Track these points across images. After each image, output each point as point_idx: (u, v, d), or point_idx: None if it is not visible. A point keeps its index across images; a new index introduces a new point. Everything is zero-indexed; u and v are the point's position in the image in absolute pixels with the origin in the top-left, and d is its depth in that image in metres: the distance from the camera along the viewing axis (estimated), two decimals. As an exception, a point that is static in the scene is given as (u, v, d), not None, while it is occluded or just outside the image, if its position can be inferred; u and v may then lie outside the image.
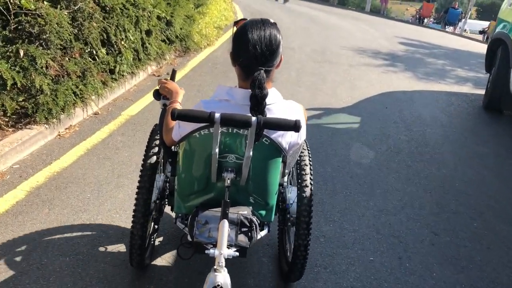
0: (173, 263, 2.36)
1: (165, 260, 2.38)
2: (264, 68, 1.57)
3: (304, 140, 2.06)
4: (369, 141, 4.30)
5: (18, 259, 2.28)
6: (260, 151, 1.67)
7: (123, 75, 4.68)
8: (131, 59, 4.78)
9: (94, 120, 4.02)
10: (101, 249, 2.42)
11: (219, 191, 1.76)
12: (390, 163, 3.90)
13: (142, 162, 2.05)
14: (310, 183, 2.04)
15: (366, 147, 4.17)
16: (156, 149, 2.09)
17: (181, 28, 6.19)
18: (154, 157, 2.05)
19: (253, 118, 1.49)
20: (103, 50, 4.25)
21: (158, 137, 2.10)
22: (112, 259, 2.35)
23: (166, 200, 2.18)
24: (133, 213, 2.00)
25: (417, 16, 25.95)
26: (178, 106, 1.95)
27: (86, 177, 3.10)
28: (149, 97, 4.72)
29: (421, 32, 14.75)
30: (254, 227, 1.71)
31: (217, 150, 1.59)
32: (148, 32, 5.19)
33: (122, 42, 4.51)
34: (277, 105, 1.68)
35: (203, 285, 1.55)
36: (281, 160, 1.78)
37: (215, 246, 1.58)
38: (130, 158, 3.43)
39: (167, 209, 2.25)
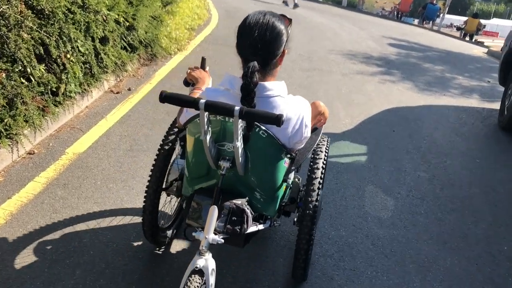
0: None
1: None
2: (257, 59, 1.60)
3: (326, 139, 2.24)
4: (383, 183, 3.49)
5: None
6: (257, 143, 1.69)
7: (70, 97, 3.72)
8: (81, 75, 3.81)
9: (27, 164, 3.06)
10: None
11: (219, 178, 1.74)
12: (416, 216, 3.10)
13: (159, 148, 2.15)
14: (318, 187, 2.02)
15: (382, 192, 3.36)
16: (173, 137, 2.17)
17: (146, 32, 5.24)
18: (170, 143, 2.14)
19: (236, 108, 1.50)
20: (41, 68, 3.28)
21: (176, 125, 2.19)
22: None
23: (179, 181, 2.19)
24: (145, 190, 2.12)
25: (395, 11, 25.71)
26: (199, 93, 1.99)
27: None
28: (104, 125, 3.77)
29: (404, 30, 14.16)
30: (246, 218, 1.72)
31: (207, 136, 1.62)
32: (104, 40, 4.22)
33: (68, 55, 3.55)
34: (280, 99, 1.70)
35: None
36: (284, 155, 1.78)
37: (203, 229, 1.62)
38: (73, 229, 2.49)
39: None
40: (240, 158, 1.66)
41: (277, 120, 1.45)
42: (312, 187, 2.01)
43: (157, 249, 2.43)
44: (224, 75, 1.76)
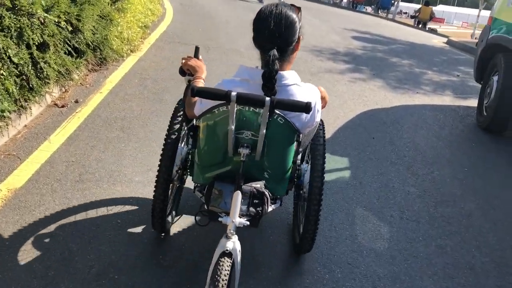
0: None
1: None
2: (276, 47, 1.69)
3: (321, 120, 2.20)
4: (373, 204, 3.14)
5: None
6: (275, 130, 1.78)
7: (3, 116, 3.13)
8: (15, 90, 3.23)
9: None
10: None
11: (235, 165, 1.86)
12: (415, 244, 2.77)
13: (165, 138, 2.20)
14: (323, 163, 2.20)
15: (373, 215, 3.00)
16: (178, 125, 2.23)
17: (94, 33, 4.65)
18: (177, 133, 2.20)
19: (267, 98, 1.61)
20: (-38, 86, 2.68)
21: (181, 112, 2.27)
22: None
23: (188, 170, 2.27)
24: (155, 179, 2.17)
25: (351, 0, 25.88)
26: (201, 82, 2.06)
27: None
28: (47, 148, 3.22)
29: (362, 20, 14.09)
30: (266, 199, 1.85)
31: (233, 126, 1.71)
32: (43, 46, 3.63)
33: (-3, 69, 2.96)
34: (296, 87, 1.81)
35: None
36: (295, 139, 1.88)
37: (228, 214, 1.72)
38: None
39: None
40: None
41: (306, 108, 1.61)
42: (316, 163, 2.19)
43: (162, 235, 2.48)
44: (239, 66, 1.88)
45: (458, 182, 3.62)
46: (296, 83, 1.82)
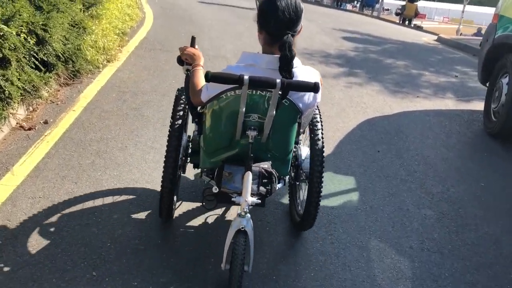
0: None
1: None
2: (290, 33, 1.83)
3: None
4: (388, 233, 2.78)
5: None
6: (280, 111, 1.87)
7: (-45, 147, 2.69)
8: (-29, 115, 2.79)
9: None
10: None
11: (242, 147, 1.99)
12: (443, 283, 2.41)
13: (170, 124, 2.28)
14: (322, 145, 2.31)
15: (390, 248, 2.64)
16: (182, 112, 2.32)
17: (64, 44, 4.20)
18: (181, 119, 2.28)
19: (278, 80, 1.73)
20: None
21: (182, 101, 2.35)
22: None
23: (189, 158, 2.46)
24: (163, 170, 2.22)
25: (335, -1, 25.74)
26: (200, 69, 2.15)
27: None
28: (9, 182, 2.78)
29: (349, 19, 13.82)
30: (274, 178, 1.97)
31: (244, 109, 1.81)
32: (3, 62, 3.19)
33: None
34: (299, 69, 1.92)
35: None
36: (298, 119, 2.03)
37: (239, 194, 1.87)
38: None
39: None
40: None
41: (315, 87, 1.75)
42: (317, 145, 2.29)
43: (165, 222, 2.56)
44: (242, 53, 1.98)
45: (477, 201, 3.28)
46: (298, 66, 1.91)
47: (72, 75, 4.45)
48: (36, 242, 2.31)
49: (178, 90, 2.47)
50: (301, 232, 2.66)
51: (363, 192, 3.21)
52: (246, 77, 1.71)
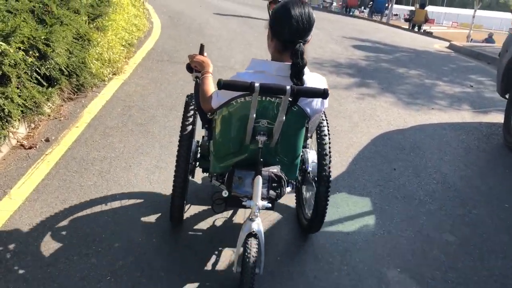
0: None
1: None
2: (302, 41, 1.85)
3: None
4: (408, 262, 2.60)
5: None
6: (288, 116, 1.90)
7: (-50, 170, 2.56)
8: (-33, 136, 2.66)
9: None
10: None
11: (251, 152, 2.03)
12: (470, 322, 2.19)
13: (180, 129, 2.36)
14: (329, 151, 2.38)
15: (411, 279, 2.46)
16: (192, 118, 2.40)
17: (68, 57, 4.07)
18: (191, 126, 2.36)
19: (287, 87, 1.76)
20: None
21: (192, 107, 2.45)
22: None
23: (197, 162, 2.54)
24: (174, 176, 2.31)
25: (344, 5, 25.50)
26: (210, 76, 2.22)
27: None
28: (7, 206, 2.64)
29: (358, 26, 13.58)
30: (283, 182, 2.03)
31: (254, 115, 1.86)
32: (2, 79, 3.06)
33: None
34: (307, 76, 1.93)
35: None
36: (306, 124, 2.07)
37: (250, 198, 1.92)
38: None
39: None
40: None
41: (324, 93, 1.82)
42: (324, 149, 2.36)
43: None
44: (251, 60, 2.00)
45: (503, 225, 3.08)
46: (306, 73, 1.93)
47: (76, 89, 4.32)
48: (31, 276, 2.16)
49: (188, 96, 2.55)
50: (314, 261, 2.48)
51: (379, 215, 3.03)
52: (257, 84, 1.75)
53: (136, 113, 4.19)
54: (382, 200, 3.22)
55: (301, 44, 1.84)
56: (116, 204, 2.79)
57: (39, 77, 3.63)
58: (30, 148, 3.32)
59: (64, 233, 2.48)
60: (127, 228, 2.58)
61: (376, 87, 6.06)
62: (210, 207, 2.81)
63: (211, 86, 2.18)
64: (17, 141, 3.33)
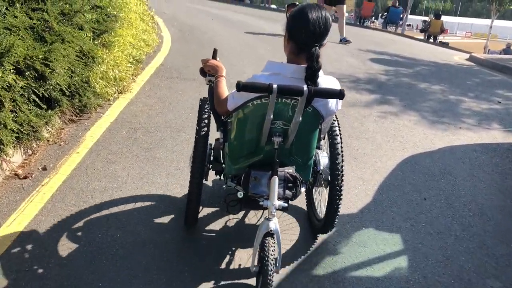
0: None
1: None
2: (318, 45, 1.89)
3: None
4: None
5: None
6: (303, 118, 1.94)
7: None
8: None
9: None
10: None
11: (266, 153, 2.09)
12: None
13: (196, 133, 2.37)
14: (341, 151, 2.43)
15: None
16: (206, 121, 2.41)
17: (70, 76, 3.82)
18: (206, 128, 2.38)
19: (305, 88, 1.81)
20: None
21: (206, 109, 2.46)
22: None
23: (211, 165, 2.53)
24: (190, 179, 2.35)
25: (357, 16, 25.28)
26: (223, 80, 2.30)
27: None
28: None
29: (374, 37, 13.20)
30: (299, 182, 2.08)
31: (271, 116, 1.90)
32: (-6, 104, 2.80)
33: None
34: (321, 78, 1.97)
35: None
36: (319, 126, 2.12)
37: (266, 199, 1.98)
38: None
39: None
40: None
41: (340, 94, 1.85)
42: (336, 149, 2.42)
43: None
44: (267, 62, 2.05)
45: (554, 267, 2.72)
46: (321, 75, 1.96)
47: (79, 111, 4.07)
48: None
49: (201, 100, 2.57)
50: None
51: (413, 256, 2.69)
52: (275, 86, 1.79)
53: (142, 136, 3.92)
54: (414, 237, 2.89)
55: (317, 47, 1.88)
56: (117, 245, 2.50)
57: (37, 99, 3.37)
58: (25, 177, 3.06)
59: (54, 283, 2.19)
60: (128, 275, 2.28)
61: (398, 104, 5.72)
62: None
63: (225, 89, 2.26)
64: (11, 171, 3.07)
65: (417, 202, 3.33)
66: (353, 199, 3.27)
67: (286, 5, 2.15)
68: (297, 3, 2.11)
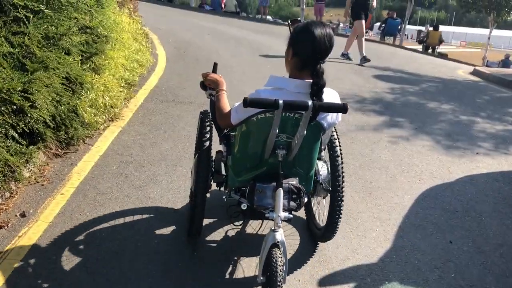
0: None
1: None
2: (322, 61, 1.98)
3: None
4: None
5: None
6: (306, 130, 1.98)
7: None
8: None
9: None
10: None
11: (270, 166, 2.14)
12: None
13: (197, 146, 2.53)
14: (341, 161, 2.50)
15: None
16: (208, 135, 2.42)
17: (55, 107, 3.49)
18: (208, 142, 2.39)
19: (310, 103, 1.86)
20: None
21: (208, 123, 2.47)
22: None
23: (212, 177, 2.50)
24: (194, 191, 2.41)
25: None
26: (224, 94, 2.35)
27: None
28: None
29: (373, 50, 12.88)
30: (302, 193, 2.12)
31: (277, 130, 1.95)
32: (-38, 147, 2.46)
33: None
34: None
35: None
36: (320, 138, 2.17)
37: (271, 210, 2.02)
38: None
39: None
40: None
41: (344, 108, 1.91)
42: (336, 161, 2.49)
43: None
44: (270, 76, 2.11)
45: None
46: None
47: (65, 144, 3.72)
48: None
49: (201, 113, 2.59)
50: None
51: (446, 318, 2.35)
52: (280, 101, 1.83)
53: (134, 171, 3.57)
54: (444, 292, 2.54)
55: (321, 64, 1.96)
56: (101, 314, 2.15)
57: (16, 135, 3.03)
58: (0, 228, 2.70)
59: None
60: None
61: (408, 127, 5.40)
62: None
63: (227, 104, 2.30)
64: (-16, 220, 2.72)
65: (442, 247, 2.99)
66: (372, 244, 2.93)
67: (289, 21, 2.16)
68: (299, 19, 2.17)
